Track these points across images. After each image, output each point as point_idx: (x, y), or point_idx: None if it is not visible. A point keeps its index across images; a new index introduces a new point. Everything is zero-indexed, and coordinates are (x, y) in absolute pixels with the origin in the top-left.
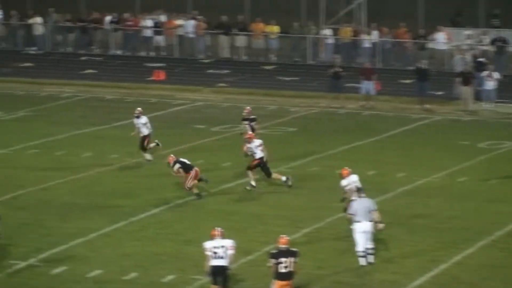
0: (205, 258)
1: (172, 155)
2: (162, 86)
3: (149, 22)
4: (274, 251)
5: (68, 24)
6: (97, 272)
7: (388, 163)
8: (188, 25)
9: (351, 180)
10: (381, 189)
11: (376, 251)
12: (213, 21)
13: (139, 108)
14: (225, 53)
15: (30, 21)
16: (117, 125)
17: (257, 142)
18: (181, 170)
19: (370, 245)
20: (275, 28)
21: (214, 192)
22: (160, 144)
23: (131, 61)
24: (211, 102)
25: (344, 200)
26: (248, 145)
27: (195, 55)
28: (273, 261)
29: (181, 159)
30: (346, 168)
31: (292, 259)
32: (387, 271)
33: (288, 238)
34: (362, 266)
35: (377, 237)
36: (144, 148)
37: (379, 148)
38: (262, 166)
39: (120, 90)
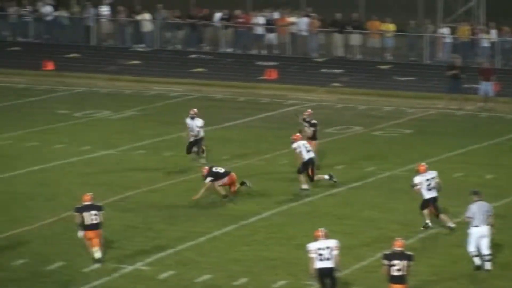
0: (310, 260)
1: (206, 167)
2: (274, 86)
3: (261, 19)
4: (388, 252)
5: (177, 20)
6: (206, 277)
7: (506, 167)
8: (301, 23)
9: (425, 178)
10: (499, 194)
11: (493, 257)
12: (327, 18)
13: (195, 109)
14: (339, 52)
15: (138, 17)
16: (227, 126)
17: (295, 144)
18: (210, 182)
19: (487, 251)
20: (391, 26)
21: (326, 196)
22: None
23: (242, 60)
24: (325, 103)
25: (413, 187)
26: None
27: (308, 54)
28: (386, 262)
29: (214, 169)
30: (424, 164)
31: (406, 263)
32: (505, 278)
33: (403, 241)
34: (477, 266)
35: (494, 243)
36: (189, 152)
37: (498, 151)
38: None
39: (231, 89)
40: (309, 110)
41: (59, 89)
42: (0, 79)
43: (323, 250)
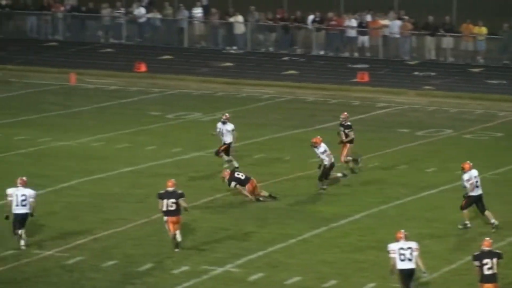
0: (390, 260)
1: (228, 170)
2: (366, 88)
3: (353, 22)
4: (477, 253)
5: (270, 23)
6: (295, 279)
7: None
8: (393, 26)
9: (472, 175)
10: None
11: None
12: (419, 21)
13: (227, 114)
14: (431, 55)
15: (231, 19)
16: (319, 128)
17: (322, 148)
18: (238, 186)
19: None
20: (484, 29)
21: (416, 198)
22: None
23: (334, 62)
24: (416, 106)
25: (465, 196)
26: (315, 150)
27: (400, 56)
28: (477, 263)
29: (236, 175)
30: (468, 162)
31: (495, 260)
32: None
33: (491, 241)
34: None
35: None
36: (218, 154)
37: None
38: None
39: (323, 91)
40: (345, 113)
41: (151, 91)
42: (92, 81)
43: (404, 251)
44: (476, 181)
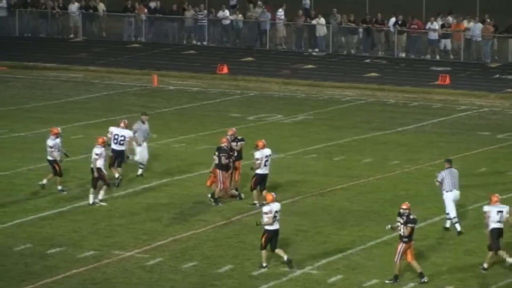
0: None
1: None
2: (447, 91)
3: (435, 25)
4: None
5: (352, 25)
6: (374, 281)
7: None
8: (475, 28)
9: (265, 154)
10: None
11: None
12: (502, 24)
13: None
14: None
15: (314, 22)
16: (399, 130)
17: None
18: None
19: None
20: None
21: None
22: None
23: (416, 64)
24: (497, 108)
25: (253, 169)
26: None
27: (481, 59)
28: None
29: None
30: (262, 140)
31: None
32: None
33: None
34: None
35: None
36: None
37: None
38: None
39: (404, 94)
40: (233, 128)
41: (232, 93)
42: (175, 82)
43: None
44: (266, 161)
